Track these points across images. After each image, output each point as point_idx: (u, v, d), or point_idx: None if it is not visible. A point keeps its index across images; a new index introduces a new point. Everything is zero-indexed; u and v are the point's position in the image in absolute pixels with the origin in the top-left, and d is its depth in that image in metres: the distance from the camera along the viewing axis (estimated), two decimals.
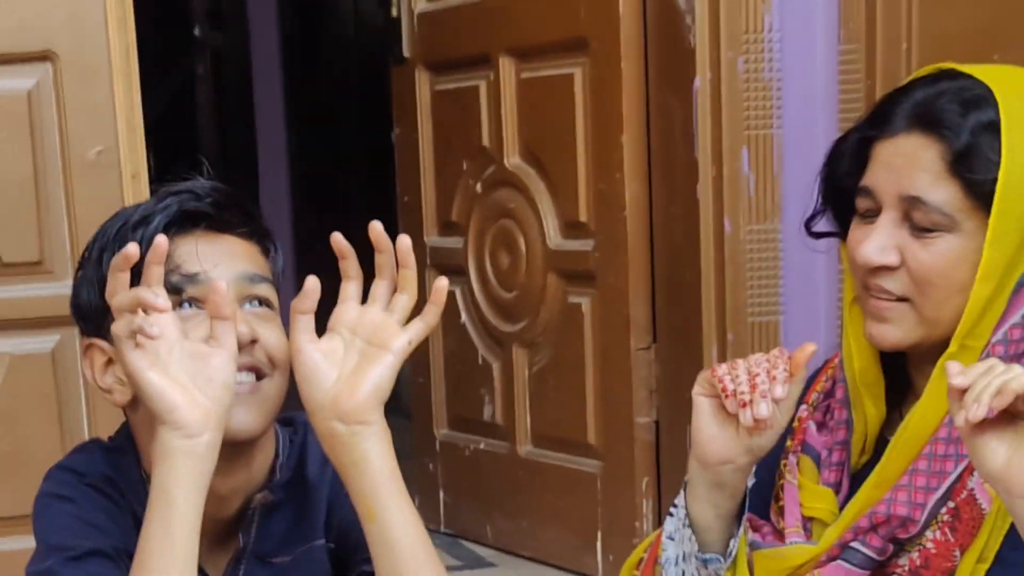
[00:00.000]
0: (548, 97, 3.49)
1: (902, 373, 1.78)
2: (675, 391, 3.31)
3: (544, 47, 3.49)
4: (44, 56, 2.73)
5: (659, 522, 3.35)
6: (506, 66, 3.60)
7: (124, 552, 1.65)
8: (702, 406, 1.66)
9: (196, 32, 6.61)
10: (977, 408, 1.39)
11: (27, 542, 2.62)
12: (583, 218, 3.45)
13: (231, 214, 1.73)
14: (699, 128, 3.13)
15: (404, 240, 1.65)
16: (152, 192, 2.68)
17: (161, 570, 1.55)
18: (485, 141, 3.69)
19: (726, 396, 1.62)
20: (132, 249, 1.56)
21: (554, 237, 3.55)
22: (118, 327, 1.56)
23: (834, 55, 3.10)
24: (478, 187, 3.74)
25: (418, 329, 1.64)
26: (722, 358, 3.13)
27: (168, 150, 3.16)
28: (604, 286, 3.43)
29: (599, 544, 3.51)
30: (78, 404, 2.83)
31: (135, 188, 2.78)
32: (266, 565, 1.77)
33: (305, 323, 1.63)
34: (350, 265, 1.65)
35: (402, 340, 1.63)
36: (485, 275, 3.75)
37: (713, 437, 1.65)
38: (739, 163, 3.11)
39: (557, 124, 3.46)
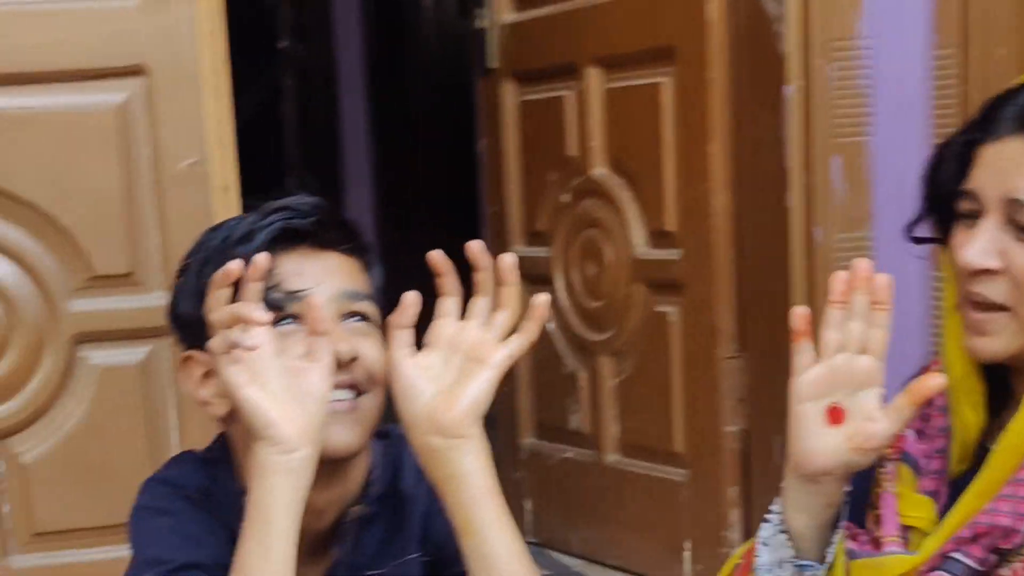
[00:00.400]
0: (635, 106, 3.49)
1: (1003, 381, 1.75)
2: (763, 400, 3.30)
3: (631, 56, 3.48)
4: (136, 70, 2.75)
5: (747, 532, 3.34)
6: (593, 76, 3.60)
7: (220, 566, 1.64)
8: (802, 414, 1.62)
9: (281, 45, 6.64)
10: None
11: (115, 551, 2.69)
12: (669, 227, 3.44)
13: (333, 231, 1.73)
14: (789, 136, 3.11)
15: (507, 258, 1.65)
16: (245, 206, 2.71)
17: None
18: (571, 151, 3.69)
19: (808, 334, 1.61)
20: (234, 266, 1.58)
21: (640, 246, 3.54)
22: (216, 342, 1.58)
23: (928, 61, 3.06)
24: (564, 197, 3.74)
25: (518, 344, 1.65)
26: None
27: (253, 164, 3.16)
28: (691, 295, 3.42)
29: (686, 553, 3.50)
30: (167, 416, 2.85)
31: (226, 200, 2.80)
32: None
33: (403, 338, 1.64)
34: (448, 282, 1.65)
35: (501, 354, 1.64)
36: (571, 284, 3.75)
37: (813, 448, 1.62)
38: (830, 171, 3.08)
39: (644, 134, 3.45)
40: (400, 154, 6.75)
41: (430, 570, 1.82)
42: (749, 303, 3.34)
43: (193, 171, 2.78)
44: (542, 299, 1.64)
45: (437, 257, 1.64)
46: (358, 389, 1.68)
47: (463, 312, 1.69)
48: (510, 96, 3.91)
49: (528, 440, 3.99)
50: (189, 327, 1.72)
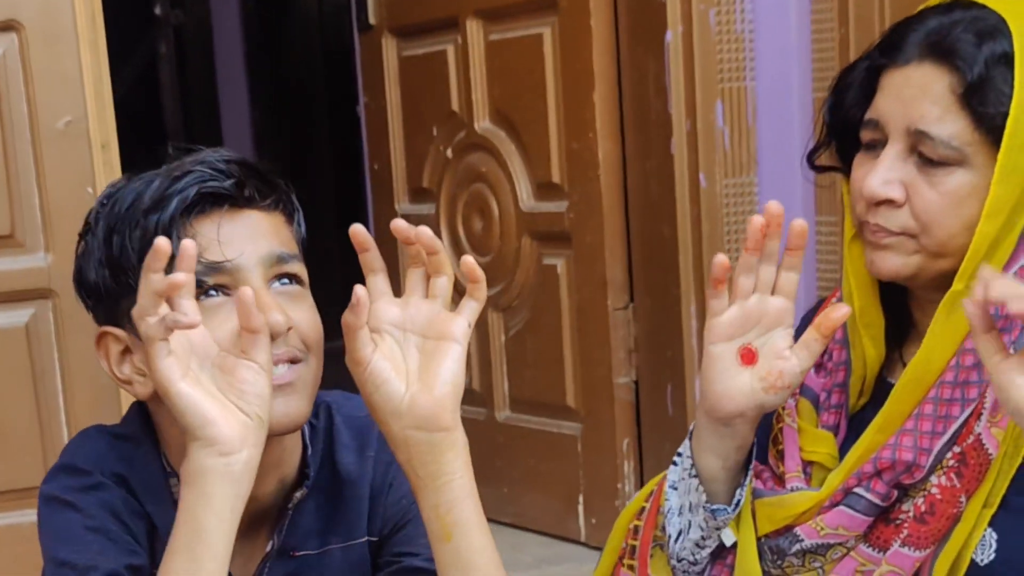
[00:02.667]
0: (517, 58, 3.47)
1: (903, 313, 1.75)
2: (654, 350, 3.30)
3: (512, 8, 3.46)
4: (8, 26, 2.68)
5: (641, 483, 3.34)
6: (474, 29, 3.57)
7: (141, 569, 1.54)
8: (716, 356, 1.62)
9: (157, 11, 6.55)
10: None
11: (5, 518, 2.63)
12: (556, 179, 3.43)
13: (251, 187, 1.57)
14: (672, 83, 3.11)
15: (424, 230, 1.52)
16: (125, 164, 2.65)
17: None
18: (454, 106, 3.66)
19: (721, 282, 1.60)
20: (163, 245, 1.38)
21: (527, 199, 3.52)
22: (150, 329, 1.38)
23: (807, 5, 3.08)
24: (449, 152, 3.71)
25: (472, 309, 1.52)
26: (701, 315, 3.11)
27: (133, 131, 3.11)
28: (579, 246, 3.41)
29: (581, 507, 3.50)
30: (53, 379, 2.79)
31: (105, 158, 2.74)
32: (289, 560, 1.66)
33: (365, 335, 1.49)
34: (373, 258, 1.51)
35: (461, 325, 1.51)
36: (458, 240, 3.73)
37: (725, 390, 1.62)
38: (713, 116, 3.09)
39: (527, 85, 3.43)
40: (281, 118, 6.69)
41: (375, 551, 1.72)
42: (638, 253, 3.34)
43: (71, 129, 2.72)
44: (466, 261, 1.51)
45: (359, 232, 1.50)
46: (294, 359, 1.55)
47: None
48: (391, 52, 3.87)
49: None
50: (100, 300, 1.58)
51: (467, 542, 1.51)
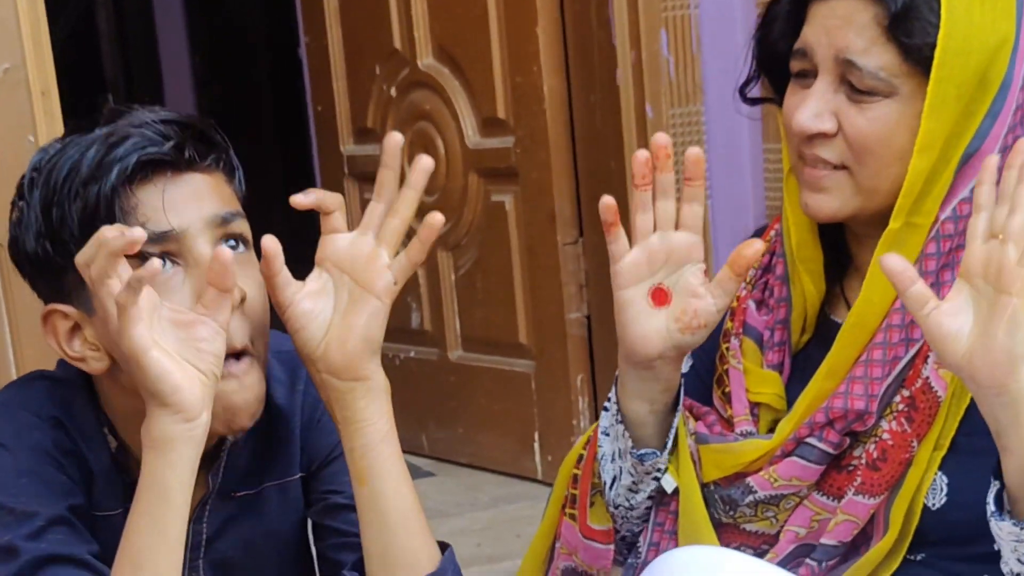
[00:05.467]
0: None
1: (841, 247, 1.71)
2: (605, 284, 3.23)
3: None
4: None
5: (596, 419, 3.34)
6: None
7: (80, 508, 1.53)
8: (626, 301, 1.57)
9: None
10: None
11: None
12: (502, 114, 3.40)
13: (191, 149, 1.52)
14: (615, 12, 3.08)
15: (423, 159, 1.52)
16: (66, 110, 2.60)
17: (152, 570, 1.42)
18: (396, 43, 3.62)
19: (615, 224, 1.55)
20: (138, 235, 1.37)
21: (473, 136, 3.50)
22: (121, 296, 1.37)
23: None
24: (392, 91, 3.67)
25: (402, 268, 1.51)
26: None
27: (72, 82, 3.06)
28: (527, 182, 3.39)
29: (536, 445, 3.49)
30: (3, 339, 2.75)
31: (46, 105, 2.68)
32: (229, 500, 1.64)
33: (284, 279, 1.49)
34: (328, 201, 1.51)
35: (386, 281, 1.50)
36: (404, 179, 3.68)
37: (641, 333, 1.57)
38: (657, 46, 3.06)
39: (469, 20, 3.39)
40: (221, 62, 6.63)
41: (306, 488, 1.70)
42: (586, 186, 3.32)
43: (8, 77, 2.67)
44: (435, 219, 1.51)
45: (301, 205, 1.49)
46: (244, 351, 1.51)
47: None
48: None
49: None
50: (40, 273, 1.53)
51: (382, 487, 1.52)
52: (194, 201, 1.51)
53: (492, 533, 3.17)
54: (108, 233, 1.38)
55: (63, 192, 1.48)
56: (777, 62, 1.69)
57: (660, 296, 1.56)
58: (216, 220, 1.51)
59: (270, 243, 1.47)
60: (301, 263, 1.55)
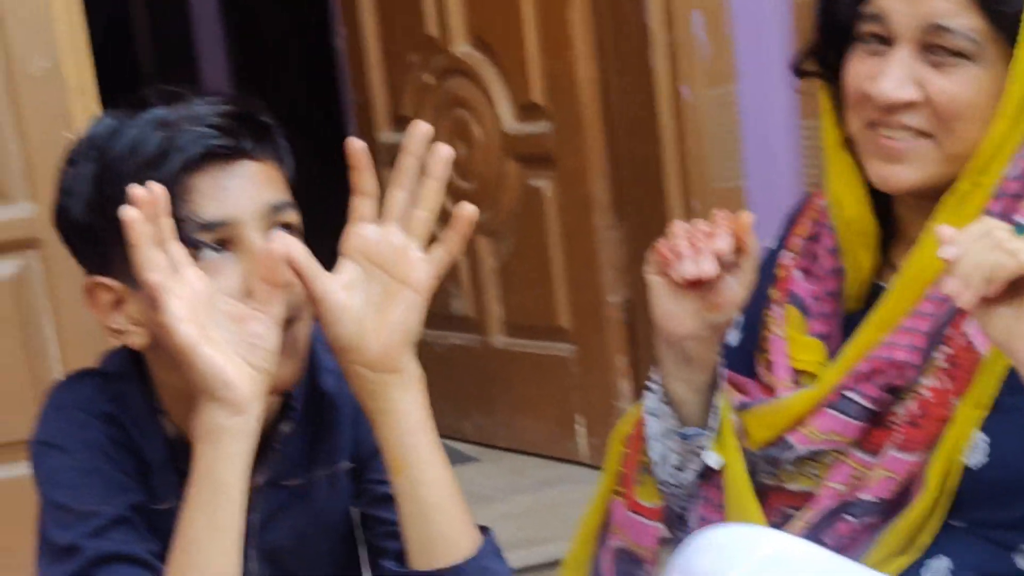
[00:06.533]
0: None
1: (889, 216, 1.71)
2: (644, 267, 3.29)
3: None
4: None
5: (638, 400, 3.34)
6: None
7: (141, 507, 1.55)
8: (655, 285, 1.62)
9: None
10: (968, 295, 1.37)
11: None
12: (537, 100, 3.40)
13: (247, 138, 1.53)
14: None
15: (442, 149, 1.51)
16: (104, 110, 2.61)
17: (208, 564, 1.44)
18: (431, 30, 3.63)
19: (669, 265, 1.57)
20: (159, 191, 1.41)
21: (509, 122, 3.50)
22: (156, 277, 1.41)
23: None
24: (428, 78, 3.68)
25: (442, 261, 1.51)
26: None
27: (107, 77, 3.07)
28: (563, 167, 3.39)
29: (579, 428, 3.50)
30: (44, 330, 2.77)
31: (84, 103, 2.71)
32: (279, 489, 1.66)
33: (314, 271, 1.49)
34: (366, 179, 1.50)
35: (426, 275, 1.50)
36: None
37: (671, 314, 1.61)
38: (691, 27, 3.06)
39: (503, 5, 3.40)
40: (258, 58, 6.64)
41: (355, 477, 1.71)
42: (622, 170, 3.32)
43: (47, 75, 2.69)
44: (468, 210, 1.50)
45: (356, 148, 1.49)
46: (292, 316, 1.53)
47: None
48: None
49: None
50: (87, 242, 1.55)
51: (419, 475, 1.52)
52: (247, 190, 1.52)
53: (535, 516, 3.18)
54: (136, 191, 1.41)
55: (120, 170, 1.50)
56: (842, 27, 1.66)
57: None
58: (268, 209, 1.53)
59: (286, 242, 1.48)
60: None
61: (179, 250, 1.44)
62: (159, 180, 1.45)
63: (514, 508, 3.29)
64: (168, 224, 1.43)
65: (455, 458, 3.71)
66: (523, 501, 3.33)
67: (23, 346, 2.76)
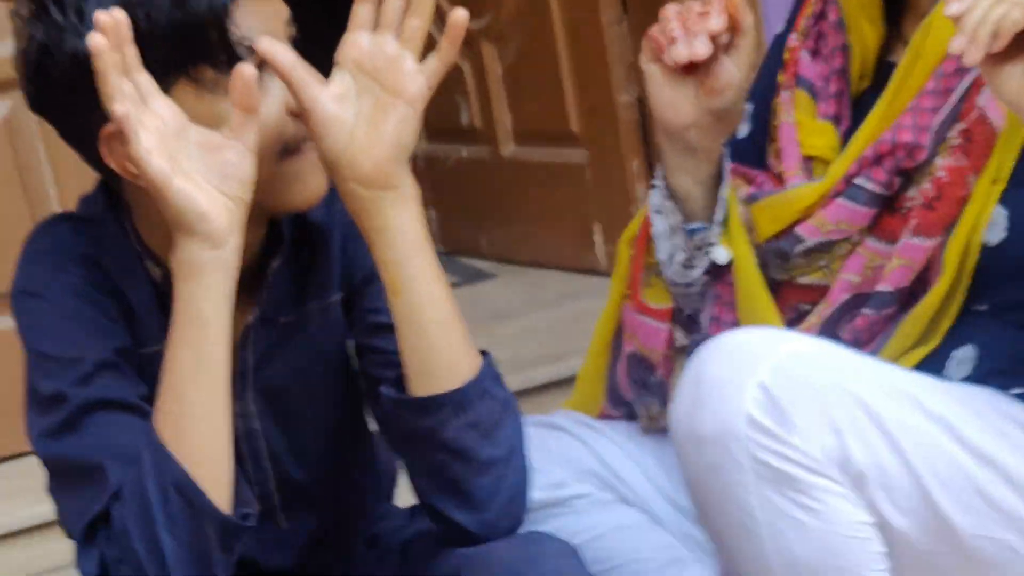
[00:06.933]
0: None
1: None
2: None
3: None
4: None
5: None
6: None
7: (125, 350, 1.52)
8: (651, 73, 1.60)
9: None
10: (974, 51, 1.33)
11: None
12: None
13: None
14: None
15: None
16: None
17: (197, 401, 1.43)
18: None
19: (663, 50, 1.55)
20: (122, 16, 1.34)
21: None
22: (123, 108, 1.35)
23: None
24: None
25: (435, 70, 1.45)
26: None
27: None
28: None
29: (596, 237, 3.44)
30: (41, 172, 2.74)
31: None
32: (272, 326, 1.62)
33: (306, 76, 1.44)
34: None
35: (418, 86, 1.44)
36: None
37: (669, 103, 1.59)
38: None
39: None
40: None
41: (346, 308, 1.68)
42: None
43: None
44: (460, 15, 1.44)
45: None
46: (304, 137, 1.49)
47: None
48: None
49: (420, 145, 3.87)
50: (76, 93, 1.44)
51: (418, 295, 1.49)
52: (273, 15, 1.49)
53: (558, 331, 3.11)
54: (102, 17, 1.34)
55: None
56: None
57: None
58: (287, 24, 1.51)
59: (273, 47, 1.42)
60: None
61: (147, 80, 1.39)
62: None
63: (536, 323, 3.23)
64: (133, 52, 1.37)
65: (473, 275, 3.67)
66: (544, 316, 3.27)
67: (22, 189, 2.74)
